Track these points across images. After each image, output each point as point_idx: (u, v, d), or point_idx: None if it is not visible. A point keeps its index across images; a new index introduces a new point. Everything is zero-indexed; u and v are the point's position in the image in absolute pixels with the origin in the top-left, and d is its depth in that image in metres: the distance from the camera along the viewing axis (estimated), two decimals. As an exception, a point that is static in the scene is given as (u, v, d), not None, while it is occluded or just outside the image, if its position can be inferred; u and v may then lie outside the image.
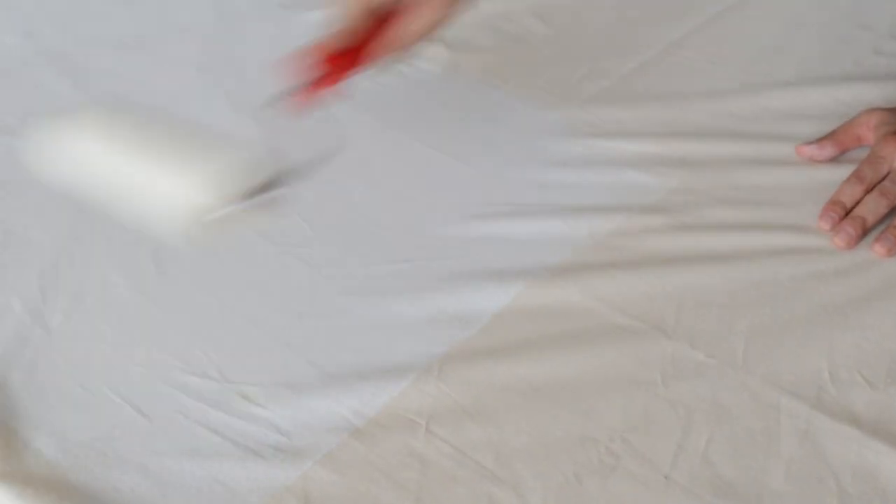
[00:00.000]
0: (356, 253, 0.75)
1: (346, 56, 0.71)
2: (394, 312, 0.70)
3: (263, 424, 0.63)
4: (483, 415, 0.63)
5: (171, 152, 0.68)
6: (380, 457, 0.61)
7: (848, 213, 0.75)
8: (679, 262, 0.73)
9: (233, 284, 0.73)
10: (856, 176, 0.77)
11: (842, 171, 0.78)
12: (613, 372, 0.65)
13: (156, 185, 0.66)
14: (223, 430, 0.63)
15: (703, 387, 0.64)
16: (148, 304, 0.72)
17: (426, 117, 0.89)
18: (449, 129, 0.87)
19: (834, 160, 0.81)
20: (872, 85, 0.88)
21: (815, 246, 0.74)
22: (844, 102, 0.86)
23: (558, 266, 0.73)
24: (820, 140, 0.81)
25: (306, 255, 0.75)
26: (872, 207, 0.75)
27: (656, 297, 0.70)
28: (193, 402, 0.65)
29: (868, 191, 0.76)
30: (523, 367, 0.66)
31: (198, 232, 0.65)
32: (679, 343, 0.67)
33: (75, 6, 1.07)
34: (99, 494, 0.60)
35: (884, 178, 0.77)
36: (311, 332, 0.69)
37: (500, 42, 0.99)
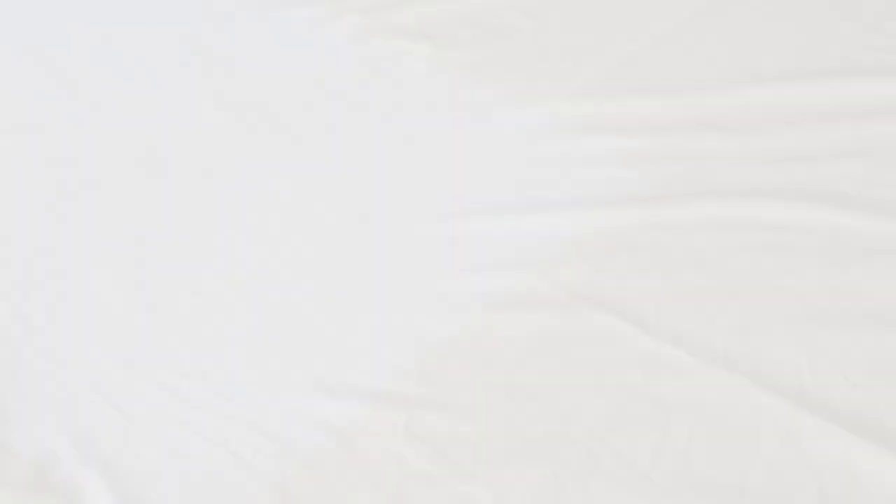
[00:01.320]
0: (337, 252, 0.75)
1: None
2: (375, 313, 0.70)
3: (244, 425, 0.63)
4: (463, 415, 0.63)
5: None
6: (360, 458, 0.61)
7: None
8: (661, 259, 0.72)
9: (215, 284, 0.73)
10: None
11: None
12: (593, 370, 0.65)
13: None
14: (203, 430, 0.63)
15: (684, 386, 0.64)
16: (131, 303, 0.72)
17: (408, 114, 0.88)
18: (431, 125, 0.87)
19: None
20: (857, 79, 0.88)
21: (797, 244, 0.73)
22: (828, 96, 0.85)
23: (538, 264, 0.73)
24: None
25: (287, 254, 0.75)
26: None
27: (637, 294, 0.70)
28: (174, 402, 0.65)
29: None
30: (503, 366, 0.66)
31: None
32: (660, 341, 0.66)
33: (57, 2, 1.06)
34: (78, 495, 0.60)
35: None
36: (294, 333, 0.69)
37: (483, 37, 0.98)
